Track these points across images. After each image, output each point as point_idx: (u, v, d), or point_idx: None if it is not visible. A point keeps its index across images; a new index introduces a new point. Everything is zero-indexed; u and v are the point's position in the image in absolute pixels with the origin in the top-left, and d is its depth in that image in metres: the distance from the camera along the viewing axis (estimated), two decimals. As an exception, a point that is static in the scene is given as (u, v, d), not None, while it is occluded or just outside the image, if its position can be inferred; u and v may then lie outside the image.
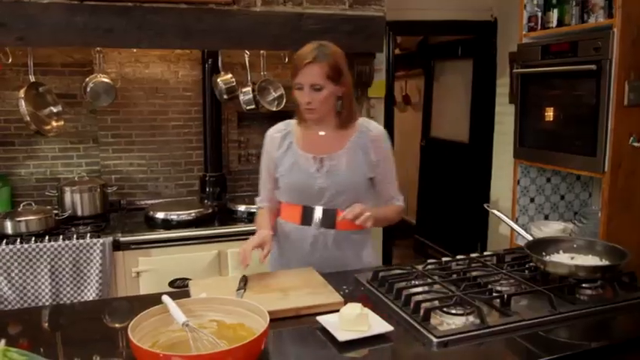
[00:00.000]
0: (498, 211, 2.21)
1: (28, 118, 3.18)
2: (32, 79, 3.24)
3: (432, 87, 5.78)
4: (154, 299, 1.70)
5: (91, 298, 2.89)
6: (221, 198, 3.59)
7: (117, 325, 1.73)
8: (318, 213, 2.05)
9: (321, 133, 2.06)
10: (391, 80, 4.43)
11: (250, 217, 3.27)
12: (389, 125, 4.42)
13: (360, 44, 3.47)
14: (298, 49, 3.53)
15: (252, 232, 3.08)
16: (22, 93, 3.18)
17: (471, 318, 1.56)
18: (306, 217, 2.06)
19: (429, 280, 1.83)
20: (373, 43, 3.51)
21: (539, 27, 3.13)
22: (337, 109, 2.02)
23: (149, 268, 2.94)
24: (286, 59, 3.67)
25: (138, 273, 2.92)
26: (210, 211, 3.31)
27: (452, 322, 1.55)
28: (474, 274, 1.90)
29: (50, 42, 3.07)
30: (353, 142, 2.04)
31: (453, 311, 1.58)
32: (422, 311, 1.56)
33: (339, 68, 1.94)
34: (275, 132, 2.13)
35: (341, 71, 1.95)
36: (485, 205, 2.33)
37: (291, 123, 2.13)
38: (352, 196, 2.02)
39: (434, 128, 5.75)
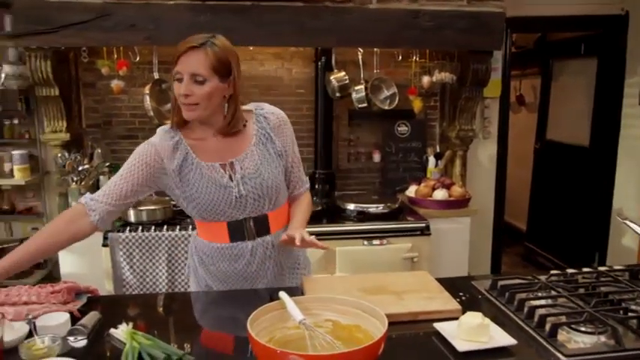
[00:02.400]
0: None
1: (152, 113, 3.38)
2: (156, 76, 3.44)
3: (549, 87, 5.47)
4: (261, 294, 1.74)
5: (203, 287, 3.00)
6: (330, 196, 3.61)
7: (222, 314, 1.78)
8: (246, 224, 1.79)
9: (214, 137, 1.75)
10: (507, 80, 4.23)
11: (360, 216, 3.27)
12: (504, 126, 4.24)
13: (477, 42, 3.37)
14: (413, 46, 3.53)
15: (361, 232, 3.18)
16: (147, 89, 3.38)
17: (602, 338, 1.43)
18: (236, 232, 1.79)
19: (554, 293, 1.71)
20: (491, 41, 3.38)
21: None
22: (224, 111, 1.73)
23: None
24: (399, 57, 3.62)
25: (248, 266, 2.99)
26: (319, 208, 3.35)
27: (580, 340, 1.43)
28: (604, 289, 1.75)
29: (174, 41, 3.15)
30: (257, 135, 1.78)
31: (583, 329, 1.46)
32: (548, 326, 1.46)
33: (228, 62, 1.65)
34: (161, 140, 1.74)
35: (230, 67, 1.66)
36: (617, 216, 2.15)
37: (173, 130, 1.76)
38: (274, 195, 1.79)
39: (550, 131, 5.43)
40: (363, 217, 3.31)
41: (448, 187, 3.51)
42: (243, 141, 1.77)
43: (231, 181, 1.73)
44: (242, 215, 1.77)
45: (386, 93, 3.63)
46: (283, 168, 1.83)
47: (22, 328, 1.46)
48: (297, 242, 1.66)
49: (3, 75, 3.38)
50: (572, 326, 1.47)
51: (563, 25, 4.39)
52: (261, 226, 1.81)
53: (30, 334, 1.43)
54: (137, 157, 1.74)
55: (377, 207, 3.35)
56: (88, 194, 1.75)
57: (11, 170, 3.57)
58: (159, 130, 1.79)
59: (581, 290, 1.75)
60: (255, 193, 1.75)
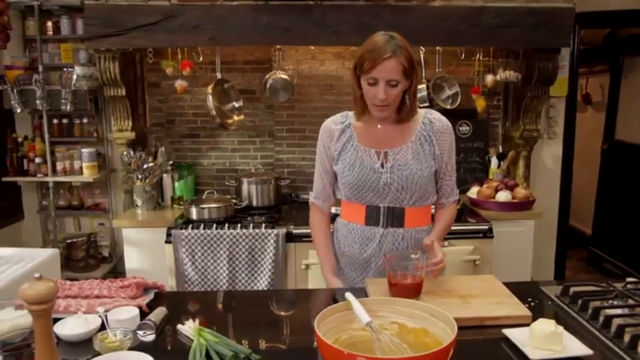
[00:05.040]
0: None
1: (214, 113, 3.43)
2: (219, 76, 3.50)
3: (619, 85, 5.24)
4: (324, 294, 1.73)
5: (263, 286, 3.03)
6: (388, 195, 3.57)
7: (282, 314, 1.81)
8: (383, 211, 1.91)
9: (379, 126, 1.91)
10: (575, 78, 4.08)
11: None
12: (570, 126, 4.08)
13: (544, 39, 3.25)
14: (477, 44, 3.45)
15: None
16: (209, 89, 3.44)
17: (687, 351, 1.35)
18: (371, 216, 1.92)
19: (631, 302, 1.63)
20: (560, 38, 3.26)
21: None
22: (406, 103, 1.87)
23: (318, 262, 2.99)
24: (462, 55, 3.54)
25: (307, 265, 3.00)
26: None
27: (662, 353, 1.35)
28: (686, 299, 1.66)
29: (236, 41, 3.27)
30: (417, 134, 1.90)
31: (665, 341, 1.38)
32: (627, 337, 1.39)
33: (413, 63, 1.79)
34: (333, 124, 1.97)
35: (414, 65, 1.80)
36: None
37: (350, 115, 1.97)
38: (418, 192, 1.89)
39: (619, 131, 5.20)
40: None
41: (511, 188, 3.41)
42: (404, 136, 1.91)
43: (382, 168, 1.87)
44: (382, 203, 1.91)
45: (448, 92, 3.56)
46: (434, 171, 1.93)
47: (95, 320, 1.51)
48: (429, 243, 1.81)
49: (75, 76, 3.53)
50: (653, 338, 1.39)
51: (635, 19, 4.19)
52: (396, 218, 1.91)
53: (102, 327, 1.48)
54: (319, 139, 2.01)
55: (437, 208, 3.27)
56: (311, 194, 2.09)
57: (80, 167, 3.71)
58: (336, 115, 2.01)
59: (661, 300, 1.66)
60: (400, 184, 1.87)
